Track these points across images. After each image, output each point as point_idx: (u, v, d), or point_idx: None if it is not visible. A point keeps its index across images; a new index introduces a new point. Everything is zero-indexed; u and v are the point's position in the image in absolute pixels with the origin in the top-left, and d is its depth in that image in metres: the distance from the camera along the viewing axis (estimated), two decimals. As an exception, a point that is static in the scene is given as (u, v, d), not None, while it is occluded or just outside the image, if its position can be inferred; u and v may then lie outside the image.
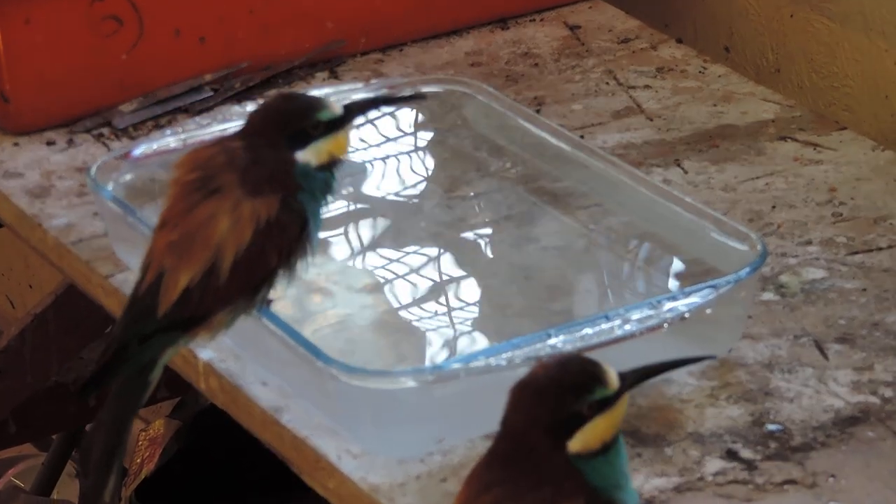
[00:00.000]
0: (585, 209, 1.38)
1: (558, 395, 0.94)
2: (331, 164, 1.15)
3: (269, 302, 1.16)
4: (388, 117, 1.48)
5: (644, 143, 1.50)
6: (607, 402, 0.95)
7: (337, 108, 1.14)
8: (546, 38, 1.65)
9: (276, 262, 1.12)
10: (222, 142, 1.16)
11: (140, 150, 1.40)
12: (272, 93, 1.25)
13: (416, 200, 1.43)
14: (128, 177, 1.38)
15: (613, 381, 0.95)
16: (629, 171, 1.34)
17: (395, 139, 1.48)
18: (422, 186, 1.44)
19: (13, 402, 1.83)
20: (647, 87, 1.57)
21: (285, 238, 1.12)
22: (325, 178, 1.14)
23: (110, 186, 1.35)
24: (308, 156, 1.13)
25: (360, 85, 1.48)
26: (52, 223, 1.41)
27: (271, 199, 1.11)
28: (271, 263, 1.12)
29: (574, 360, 0.96)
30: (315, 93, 1.46)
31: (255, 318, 1.16)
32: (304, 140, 1.14)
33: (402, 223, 1.40)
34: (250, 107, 1.45)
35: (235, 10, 1.55)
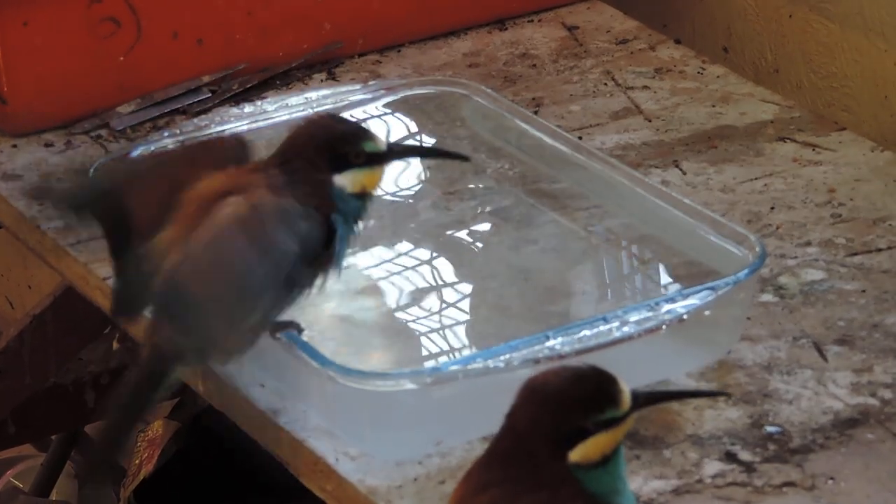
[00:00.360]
0: (584, 211, 1.38)
1: (568, 408, 0.94)
2: (361, 196, 1.14)
3: (297, 326, 1.15)
4: (385, 119, 1.48)
5: (642, 144, 1.49)
6: (615, 422, 0.94)
7: (382, 143, 1.14)
8: (544, 38, 1.65)
9: (293, 247, 1.09)
10: (259, 169, 1.14)
11: (138, 151, 1.39)
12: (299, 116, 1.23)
13: (413, 202, 1.43)
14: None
15: (626, 401, 0.95)
16: (628, 172, 1.34)
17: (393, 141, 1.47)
18: (420, 188, 1.44)
19: (12, 403, 1.83)
20: (645, 87, 1.57)
21: (306, 231, 1.10)
22: (359, 205, 1.13)
23: (108, 188, 1.35)
24: (345, 181, 1.13)
25: (357, 86, 1.48)
26: (50, 225, 1.41)
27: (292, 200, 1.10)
28: (289, 247, 1.09)
29: (592, 375, 0.95)
30: (312, 94, 1.46)
31: (279, 341, 1.14)
32: (343, 165, 1.13)
33: (400, 225, 1.39)
34: (248, 108, 1.46)
35: (233, 11, 1.55)
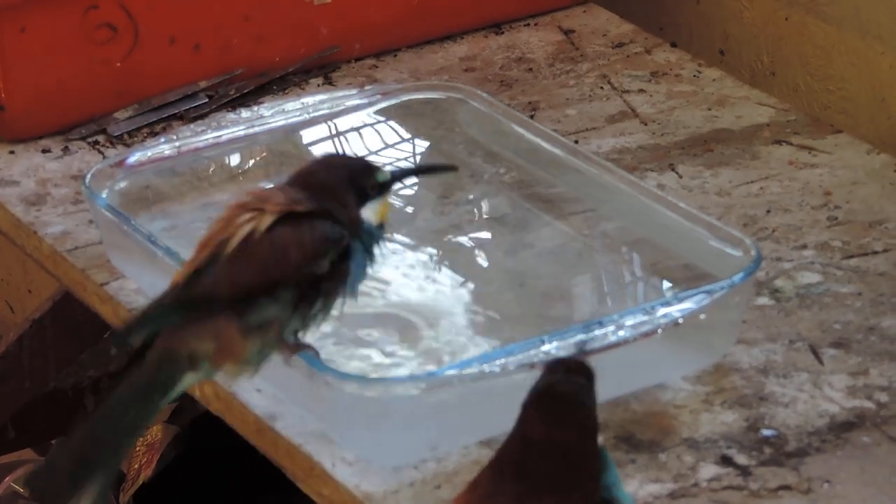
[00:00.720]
0: (580, 215, 1.38)
1: None
2: (381, 225, 1.14)
3: (314, 350, 1.14)
4: (381, 125, 1.48)
5: (638, 147, 1.50)
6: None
7: (387, 173, 1.16)
8: (540, 42, 1.65)
9: (296, 259, 1.09)
10: (282, 191, 1.14)
11: (135, 157, 1.40)
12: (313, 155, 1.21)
13: (409, 207, 1.43)
14: (123, 184, 1.39)
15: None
16: (623, 176, 1.34)
17: (389, 145, 1.48)
18: (416, 193, 1.44)
19: (12, 408, 1.83)
20: (641, 91, 1.57)
21: (316, 244, 1.10)
22: (379, 234, 1.14)
23: (105, 194, 1.36)
24: (369, 214, 1.14)
25: (354, 91, 1.48)
26: (48, 231, 1.41)
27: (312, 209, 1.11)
28: (290, 256, 1.09)
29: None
30: (309, 99, 1.47)
31: (296, 364, 1.13)
32: (364, 199, 1.14)
33: (396, 230, 1.39)
34: (245, 113, 1.46)
35: (230, 17, 1.56)
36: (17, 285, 2.39)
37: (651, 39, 1.65)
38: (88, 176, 1.35)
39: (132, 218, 1.31)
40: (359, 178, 1.14)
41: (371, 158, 1.45)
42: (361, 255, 1.13)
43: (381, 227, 1.15)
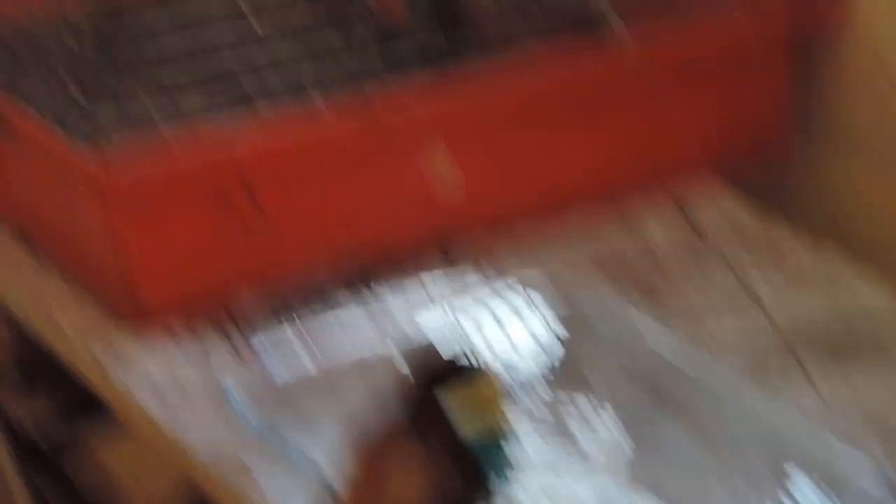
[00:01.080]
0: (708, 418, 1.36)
1: None
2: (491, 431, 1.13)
3: None
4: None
5: (760, 334, 1.46)
6: None
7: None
8: (664, 231, 1.61)
9: None
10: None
11: (259, 339, 1.41)
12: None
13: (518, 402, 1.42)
14: (255, 383, 1.39)
15: None
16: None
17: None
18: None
19: None
20: (764, 278, 1.54)
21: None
22: (487, 449, 1.13)
23: (238, 393, 1.36)
24: (466, 431, 1.12)
25: (472, 269, 1.48)
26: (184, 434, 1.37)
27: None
28: None
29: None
30: (427, 277, 1.46)
31: None
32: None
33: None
34: (367, 295, 1.47)
35: (353, 199, 1.56)
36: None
37: (772, 221, 1.61)
38: (230, 384, 1.35)
39: (280, 432, 1.30)
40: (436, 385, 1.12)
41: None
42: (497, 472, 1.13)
43: (491, 431, 1.12)
